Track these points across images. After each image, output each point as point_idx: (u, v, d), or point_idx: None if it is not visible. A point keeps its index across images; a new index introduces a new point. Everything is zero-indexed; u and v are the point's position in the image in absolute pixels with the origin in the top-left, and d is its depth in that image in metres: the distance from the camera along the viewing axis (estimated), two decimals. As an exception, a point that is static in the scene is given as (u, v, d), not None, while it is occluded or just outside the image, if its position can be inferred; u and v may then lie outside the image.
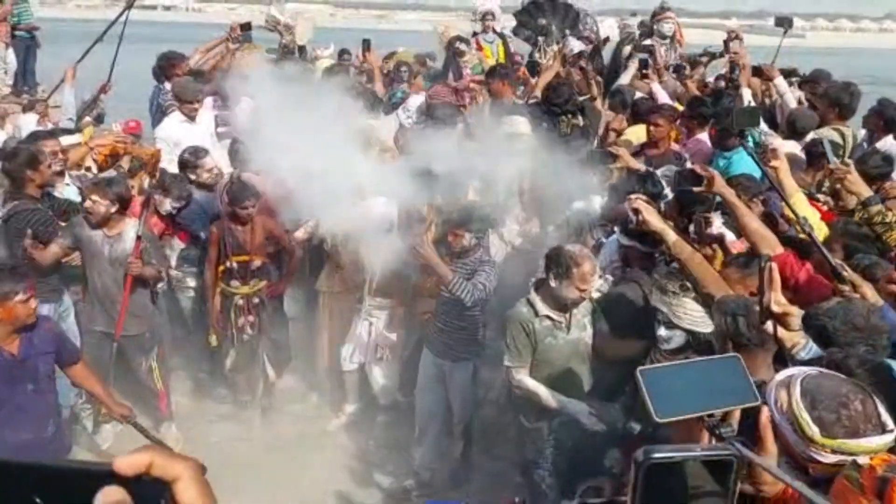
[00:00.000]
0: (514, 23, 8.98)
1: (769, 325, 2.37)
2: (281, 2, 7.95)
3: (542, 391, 3.72)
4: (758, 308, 2.42)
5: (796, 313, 2.38)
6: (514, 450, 4.31)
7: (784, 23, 7.98)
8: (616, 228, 4.42)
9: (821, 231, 3.72)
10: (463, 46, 7.76)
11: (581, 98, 6.17)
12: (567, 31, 8.12)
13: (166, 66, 6.92)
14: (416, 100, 6.83)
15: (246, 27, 7.35)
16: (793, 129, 5.35)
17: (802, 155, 4.80)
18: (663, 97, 6.29)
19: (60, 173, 5.00)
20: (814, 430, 1.83)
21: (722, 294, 3.18)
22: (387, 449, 5.06)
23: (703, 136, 5.68)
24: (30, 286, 3.52)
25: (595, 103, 6.56)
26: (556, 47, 7.33)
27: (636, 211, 3.44)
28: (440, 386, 4.55)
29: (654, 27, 7.83)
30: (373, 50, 7.68)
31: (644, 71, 6.87)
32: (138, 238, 4.48)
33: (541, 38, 8.18)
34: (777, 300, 2.32)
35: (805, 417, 1.85)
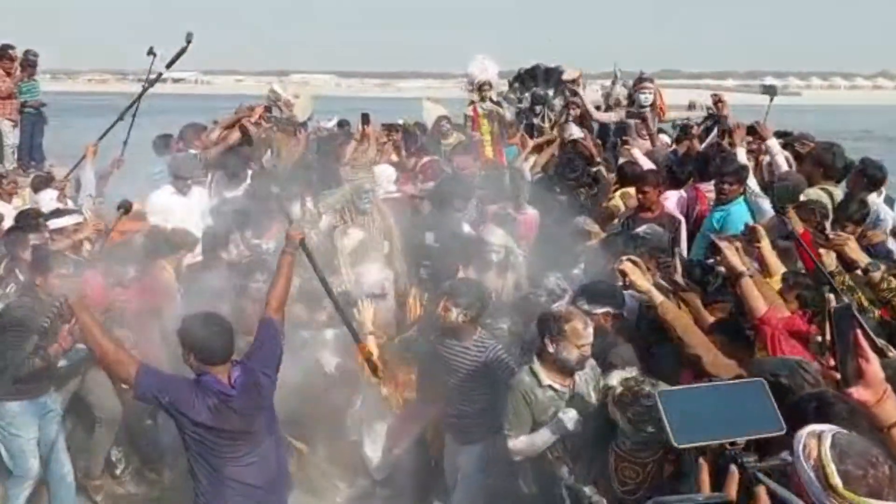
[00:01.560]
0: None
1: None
2: (284, 80, 8.20)
3: (534, 438, 3.63)
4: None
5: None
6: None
7: (770, 90, 8.40)
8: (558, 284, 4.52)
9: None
10: (446, 127, 7.96)
11: (593, 169, 6.34)
12: (563, 107, 8.39)
13: (189, 135, 7.06)
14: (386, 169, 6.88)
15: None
16: (782, 192, 5.26)
17: None
18: (645, 162, 6.43)
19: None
20: (838, 481, 1.84)
21: (710, 355, 3.20)
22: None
23: (672, 194, 5.80)
24: None
25: (602, 170, 6.67)
26: (552, 115, 7.53)
27: (623, 273, 3.53)
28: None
29: (633, 96, 8.04)
30: (371, 122, 7.82)
31: (624, 138, 7.06)
32: None
33: (538, 107, 8.42)
34: None
35: (832, 467, 1.85)
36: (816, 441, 1.92)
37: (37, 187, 7.20)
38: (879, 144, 21.38)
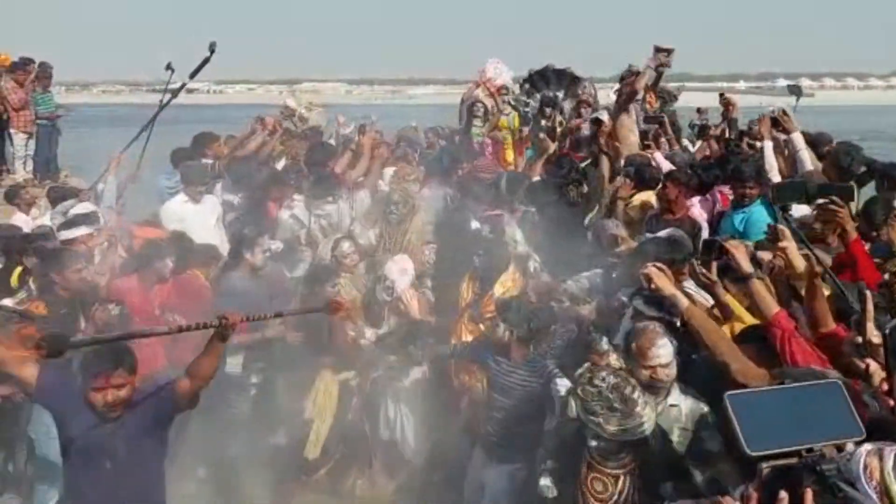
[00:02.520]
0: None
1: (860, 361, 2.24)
2: (295, 89, 8.18)
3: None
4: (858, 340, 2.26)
5: None
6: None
7: (795, 90, 8.34)
8: (626, 297, 4.41)
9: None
10: (479, 111, 8.01)
11: (582, 164, 6.25)
12: (574, 106, 8.34)
13: (201, 145, 7.07)
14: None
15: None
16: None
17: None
18: (666, 165, 6.34)
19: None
20: None
21: (739, 363, 3.07)
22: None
23: (695, 200, 5.69)
24: None
25: (603, 167, 6.57)
26: (560, 118, 7.47)
27: (648, 277, 3.43)
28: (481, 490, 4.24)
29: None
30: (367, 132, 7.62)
31: (646, 142, 6.97)
32: None
33: (547, 109, 8.35)
34: (871, 330, 2.23)
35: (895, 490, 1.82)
36: (878, 460, 1.85)
37: (55, 199, 7.24)
38: (893, 145, 21.22)
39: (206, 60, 6.43)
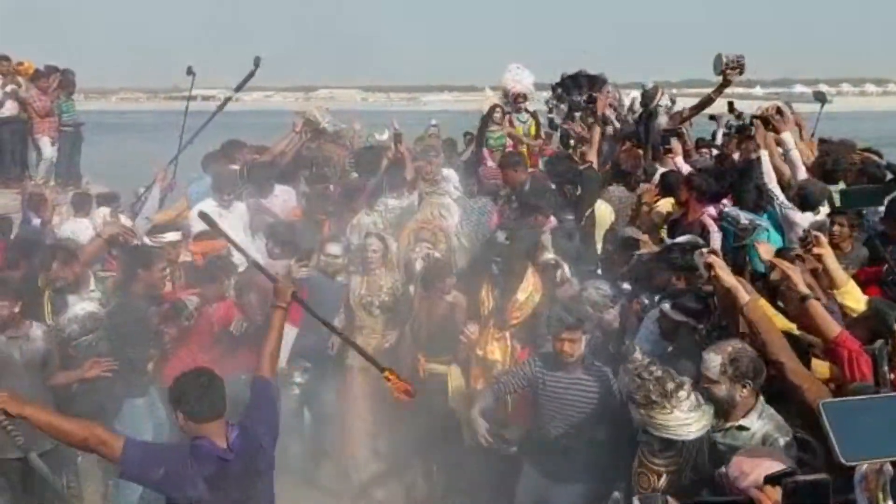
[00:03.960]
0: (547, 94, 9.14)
1: None
2: (322, 108, 8.04)
3: None
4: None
5: None
6: None
7: (820, 97, 8.31)
8: (650, 300, 4.40)
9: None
10: (498, 116, 7.94)
11: (582, 167, 6.25)
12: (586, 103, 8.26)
13: (229, 152, 7.11)
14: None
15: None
16: (804, 202, 5.11)
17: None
18: (687, 171, 6.32)
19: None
20: None
21: (793, 362, 3.06)
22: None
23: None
24: None
25: (590, 171, 6.47)
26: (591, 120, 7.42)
27: (708, 266, 3.36)
28: None
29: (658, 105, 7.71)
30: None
31: (667, 147, 6.95)
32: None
33: (577, 114, 8.26)
34: None
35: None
36: (877, 473, 1.83)
37: (77, 206, 7.35)
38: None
39: (252, 74, 6.68)
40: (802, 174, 5.50)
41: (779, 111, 5.80)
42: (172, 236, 5.49)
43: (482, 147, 7.83)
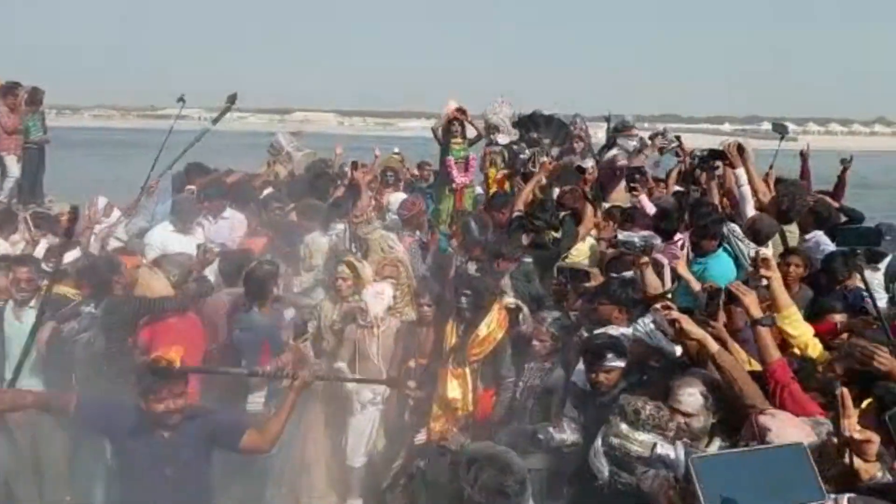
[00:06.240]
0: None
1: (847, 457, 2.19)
2: (295, 134, 8.61)
3: None
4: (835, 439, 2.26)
5: (876, 441, 2.20)
6: None
7: (781, 129, 8.43)
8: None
9: (815, 349, 3.63)
10: (457, 127, 8.15)
11: (563, 214, 6.32)
12: (563, 138, 8.42)
13: (190, 176, 7.24)
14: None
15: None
16: (755, 236, 5.29)
17: None
18: (650, 208, 6.42)
19: None
20: None
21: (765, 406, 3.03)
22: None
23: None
24: None
25: (587, 214, 6.55)
26: (545, 159, 7.52)
27: (672, 322, 3.36)
28: None
29: (618, 142, 7.84)
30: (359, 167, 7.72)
31: (633, 185, 7.07)
32: None
33: (529, 150, 8.37)
34: (852, 426, 2.18)
35: None
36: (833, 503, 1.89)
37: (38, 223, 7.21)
38: (877, 192, 21.51)
39: (227, 109, 7.51)
40: (751, 210, 5.70)
41: (740, 148, 5.97)
42: (71, 256, 5.52)
43: (447, 155, 8.13)
